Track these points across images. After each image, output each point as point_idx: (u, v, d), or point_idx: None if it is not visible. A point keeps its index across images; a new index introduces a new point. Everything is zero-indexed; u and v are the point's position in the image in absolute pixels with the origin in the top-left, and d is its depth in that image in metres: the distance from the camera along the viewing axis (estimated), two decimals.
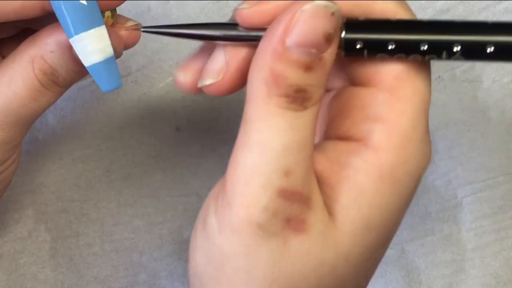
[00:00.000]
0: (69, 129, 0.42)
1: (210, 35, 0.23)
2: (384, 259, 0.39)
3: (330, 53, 0.22)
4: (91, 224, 0.40)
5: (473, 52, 0.21)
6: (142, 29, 0.27)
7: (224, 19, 0.44)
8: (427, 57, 0.22)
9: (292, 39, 0.21)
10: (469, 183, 0.40)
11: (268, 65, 0.21)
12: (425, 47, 0.22)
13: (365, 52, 0.23)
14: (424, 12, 0.44)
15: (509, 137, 0.41)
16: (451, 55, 0.22)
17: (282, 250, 0.22)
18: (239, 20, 0.23)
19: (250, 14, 0.22)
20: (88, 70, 0.27)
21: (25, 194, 0.40)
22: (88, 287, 0.38)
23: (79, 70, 0.29)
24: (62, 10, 0.26)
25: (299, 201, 0.22)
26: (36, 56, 0.28)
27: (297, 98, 0.21)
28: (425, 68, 0.24)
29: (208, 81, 0.24)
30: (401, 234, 0.39)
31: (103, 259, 0.39)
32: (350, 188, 0.23)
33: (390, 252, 0.39)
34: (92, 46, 0.27)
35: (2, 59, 0.32)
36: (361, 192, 0.23)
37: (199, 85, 0.24)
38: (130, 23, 0.29)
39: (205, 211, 0.24)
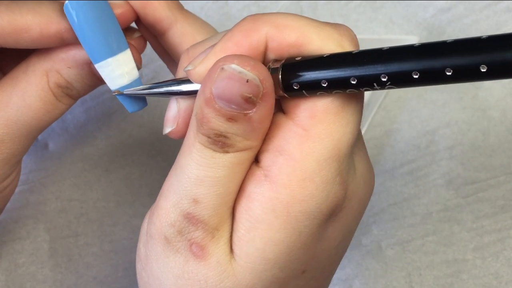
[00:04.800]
0: (68, 129, 0.41)
1: (170, 91, 0.26)
2: (384, 259, 0.39)
3: (258, 112, 0.22)
4: (90, 224, 0.39)
5: (401, 80, 0.20)
6: (115, 94, 0.28)
7: (224, 17, 0.44)
8: (362, 89, 0.21)
9: (214, 90, 0.22)
10: (470, 182, 0.40)
11: (200, 106, 0.23)
12: (355, 81, 0.21)
13: (304, 91, 0.22)
14: (424, 11, 0.44)
15: (510, 137, 0.41)
16: (383, 85, 0.21)
17: (183, 269, 0.24)
18: (190, 78, 0.25)
19: (195, 72, 0.24)
20: (114, 93, 0.28)
21: (23, 194, 0.40)
22: (87, 287, 0.38)
23: (95, 84, 0.30)
24: (87, 38, 0.26)
25: (202, 229, 0.23)
26: (51, 70, 0.28)
27: (217, 141, 0.23)
28: (354, 104, 0.23)
29: (167, 129, 0.26)
30: (402, 234, 0.39)
31: (102, 259, 0.39)
32: (246, 219, 0.23)
33: (391, 252, 0.39)
34: (119, 70, 0.27)
35: None
36: (254, 225, 0.23)
37: (163, 133, 0.26)
38: (136, 35, 0.30)
39: (147, 214, 0.26)
